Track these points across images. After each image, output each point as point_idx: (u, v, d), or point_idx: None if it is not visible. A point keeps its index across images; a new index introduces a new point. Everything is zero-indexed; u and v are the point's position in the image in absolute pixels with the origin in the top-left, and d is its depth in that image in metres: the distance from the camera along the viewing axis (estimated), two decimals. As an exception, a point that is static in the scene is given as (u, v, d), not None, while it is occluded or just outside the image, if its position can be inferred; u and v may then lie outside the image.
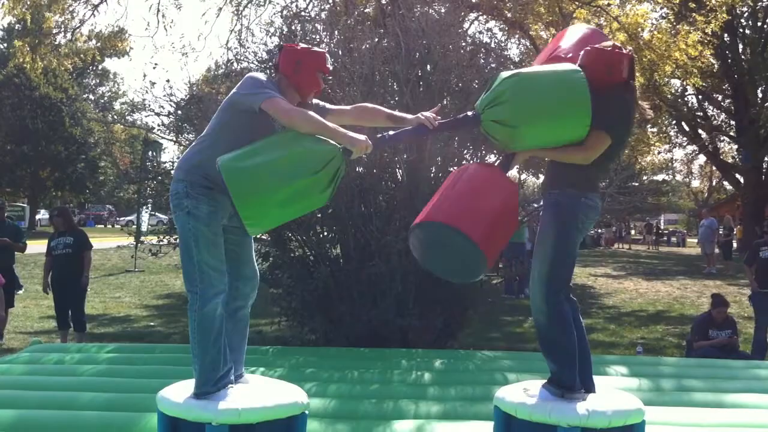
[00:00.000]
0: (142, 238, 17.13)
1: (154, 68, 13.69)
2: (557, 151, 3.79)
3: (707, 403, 5.06)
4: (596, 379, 5.54)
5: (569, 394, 3.70)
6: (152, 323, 10.55)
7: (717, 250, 24.10)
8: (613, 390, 4.08)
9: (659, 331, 10.15)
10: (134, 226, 17.61)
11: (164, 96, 9.01)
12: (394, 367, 6.13)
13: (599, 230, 38.67)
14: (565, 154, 3.76)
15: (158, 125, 9.42)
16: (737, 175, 29.29)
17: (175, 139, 9.38)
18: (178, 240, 4.10)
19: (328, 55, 4.08)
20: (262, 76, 3.92)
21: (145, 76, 17.08)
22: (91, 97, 57.83)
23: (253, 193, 3.48)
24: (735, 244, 27.71)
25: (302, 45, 4.12)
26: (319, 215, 8.03)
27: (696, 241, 27.26)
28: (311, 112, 3.74)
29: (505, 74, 3.78)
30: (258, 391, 3.85)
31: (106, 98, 60.97)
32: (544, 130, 3.70)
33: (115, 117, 52.13)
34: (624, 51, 3.88)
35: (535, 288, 3.82)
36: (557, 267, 3.78)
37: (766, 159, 27.84)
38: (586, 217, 3.85)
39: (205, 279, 3.74)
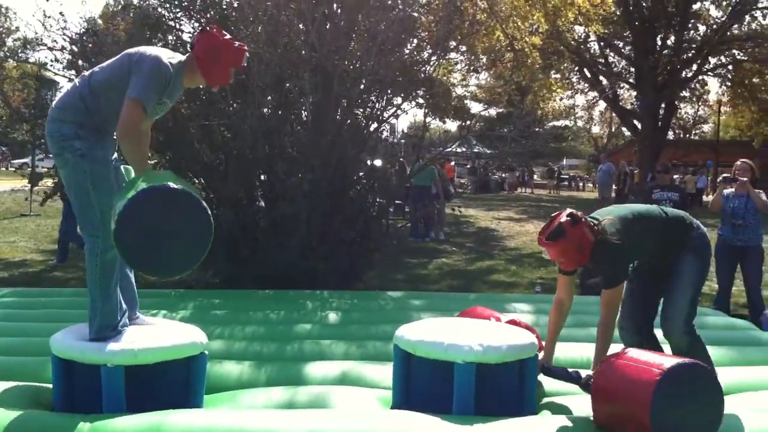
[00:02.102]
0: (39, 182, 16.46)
1: (47, 0, 12.83)
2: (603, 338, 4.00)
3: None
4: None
5: None
6: (49, 268, 10.23)
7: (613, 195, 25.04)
8: (509, 327, 4.21)
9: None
10: (29, 169, 16.84)
11: (58, 30, 8.59)
12: (300, 308, 6.17)
13: (503, 174, 39.42)
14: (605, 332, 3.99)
15: (51, 61, 8.99)
16: (635, 121, 30.21)
17: (73, 76, 8.96)
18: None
19: (247, 52, 3.98)
20: (167, 58, 3.75)
21: (45, 14, 15.84)
22: (-20, 34, 54.55)
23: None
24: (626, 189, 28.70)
25: (226, 35, 3.92)
26: (222, 156, 7.90)
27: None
28: (142, 142, 3.81)
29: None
30: (155, 332, 3.81)
31: (-3, 33, 57.62)
32: None
33: (7, 53, 49.38)
34: (585, 234, 3.95)
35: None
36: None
37: (662, 105, 28.80)
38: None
39: (106, 222, 3.61)
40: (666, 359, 3.35)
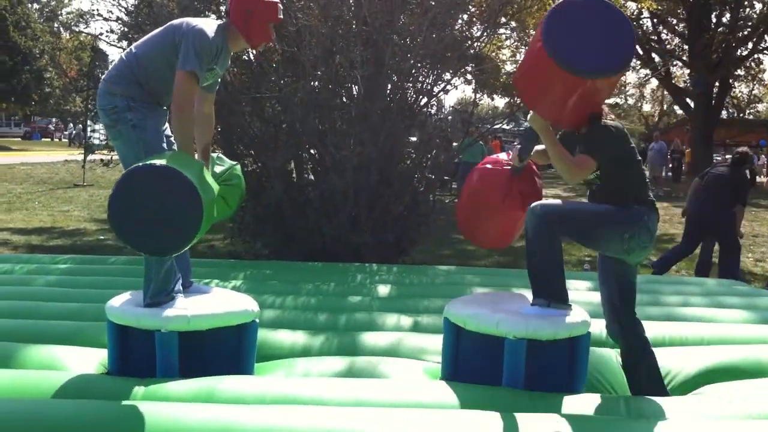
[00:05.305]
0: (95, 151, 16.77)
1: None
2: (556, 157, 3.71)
3: (651, 316, 5.22)
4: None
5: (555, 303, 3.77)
6: (102, 237, 10.44)
7: (668, 174, 24.76)
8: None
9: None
10: (84, 140, 17.17)
11: (113, 0, 8.70)
12: (350, 281, 6.20)
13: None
14: (561, 162, 3.69)
15: (106, 31, 9.10)
16: (688, 100, 29.57)
17: (125, 47, 9.05)
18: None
19: (280, 5, 4.02)
20: (212, 29, 3.83)
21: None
22: (35, 6, 55.43)
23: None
24: (684, 167, 28.22)
25: None
26: (272, 128, 7.94)
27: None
28: (194, 121, 3.84)
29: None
30: (208, 299, 3.87)
31: (51, 6, 58.52)
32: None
33: (60, 28, 50.16)
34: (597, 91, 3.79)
35: None
36: None
37: (716, 84, 28.13)
38: None
39: None
40: None
